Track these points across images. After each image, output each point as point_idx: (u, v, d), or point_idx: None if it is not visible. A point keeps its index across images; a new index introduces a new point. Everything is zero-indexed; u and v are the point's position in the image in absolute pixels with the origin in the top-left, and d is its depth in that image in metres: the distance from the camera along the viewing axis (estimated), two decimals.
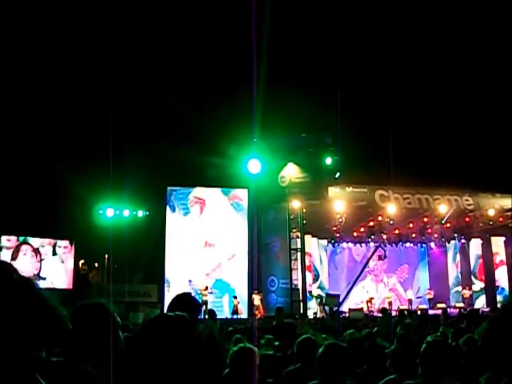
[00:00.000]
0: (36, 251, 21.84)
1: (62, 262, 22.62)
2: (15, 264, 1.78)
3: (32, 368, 1.44)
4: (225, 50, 21.43)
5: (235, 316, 20.90)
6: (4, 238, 21.16)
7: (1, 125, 18.84)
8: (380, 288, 28.03)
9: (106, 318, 2.10)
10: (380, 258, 24.64)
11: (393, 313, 19.25)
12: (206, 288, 21.40)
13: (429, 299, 26.73)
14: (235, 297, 21.92)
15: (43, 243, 22.21)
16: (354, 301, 25.60)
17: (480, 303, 25.64)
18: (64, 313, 1.99)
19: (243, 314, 21.47)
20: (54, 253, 22.45)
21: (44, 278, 21.61)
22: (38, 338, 1.45)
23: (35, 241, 21.97)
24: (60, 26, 19.32)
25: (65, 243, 22.90)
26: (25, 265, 20.75)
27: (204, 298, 21.07)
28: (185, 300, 3.35)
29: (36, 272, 21.50)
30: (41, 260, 21.90)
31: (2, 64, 17.94)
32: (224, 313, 21.27)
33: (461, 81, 22.82)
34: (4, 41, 17.87)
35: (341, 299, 13.13)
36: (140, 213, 24.24)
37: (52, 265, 22.23)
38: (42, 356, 1.48)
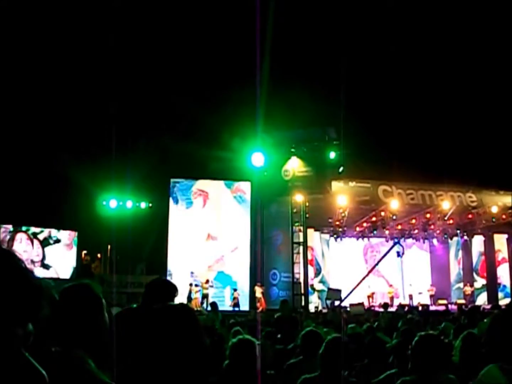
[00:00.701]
0: (34, 239, 21.84)
1: (65, 251, 22.70)
2: None
3: (17, 344, 1.39)
4: (228, 44, 21.36)
5: (236, 309, 20.98)
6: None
7: (5, 116, 18.85)
8: (381, 283, 28.02)
9: (92, 298, 2.11)
10: (398, 255, 24.61)
11: (394, 308, 19.28)
12: (207, 281, 21.49)
13: (431, 295, 26.72)
14: (235, 290, 22.00)
15: (46, 233, 22.28)
16: (356, 295, 25.61)
17: (482, 300, 25.61)
18: (48, 284, 1.96)
19: (242, 306, 21.54)
20: (57, 243, 22.53)
21: (48, 267, 21.74)
22: (19, 312, 1.40)
23: (38, 231, 22.04)
24: (66, 20, 19.30)
25: (68, 233, 22.98)
26: (21, 253, 20.80)
27: (204, 291, 21.18)
28: (162, 284, 3.42)
29: (38, 259, 21.62)
30: (43, 248, 21.98)
31: (8, 57, 17.94)
32: (226, 305, 21.35)
33: (465, 77, 22.73)
34: (9, 33, 17.86)
35: (345, 295, 13.16)
36: (143, 205, 24.27)
37: (55, 255, 22.32)
38: (29, 330, 1.44)
